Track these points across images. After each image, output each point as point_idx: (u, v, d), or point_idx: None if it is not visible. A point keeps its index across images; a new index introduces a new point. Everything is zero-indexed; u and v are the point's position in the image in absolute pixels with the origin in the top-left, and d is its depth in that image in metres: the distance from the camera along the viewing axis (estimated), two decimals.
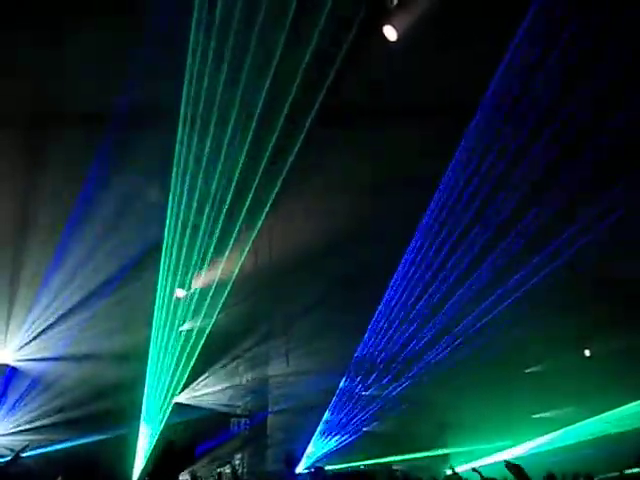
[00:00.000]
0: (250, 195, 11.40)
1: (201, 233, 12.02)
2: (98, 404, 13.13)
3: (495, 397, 15.19)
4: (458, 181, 11.02)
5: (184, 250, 12.46)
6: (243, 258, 12.85)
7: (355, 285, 13.21)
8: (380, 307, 14.14)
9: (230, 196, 11.56)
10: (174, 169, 10.78)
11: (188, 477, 13.96)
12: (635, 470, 9.62)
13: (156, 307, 13.50)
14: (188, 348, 14.51)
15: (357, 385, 16.03)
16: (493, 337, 13.82)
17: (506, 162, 10.43)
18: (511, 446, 16.53)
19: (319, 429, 16.75)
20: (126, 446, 13.77)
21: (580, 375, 15.15)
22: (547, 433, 16.54)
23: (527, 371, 16.88)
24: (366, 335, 14.87)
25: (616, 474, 10.09)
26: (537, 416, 16.93)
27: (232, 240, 12.46)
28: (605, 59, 8.57)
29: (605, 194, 10.75)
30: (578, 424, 16.06)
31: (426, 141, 10.55)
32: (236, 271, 12.98)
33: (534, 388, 16.06)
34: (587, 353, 16.68)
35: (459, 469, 13.80)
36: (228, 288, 13.33)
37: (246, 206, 11.59)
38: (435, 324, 13.87)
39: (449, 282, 12.67)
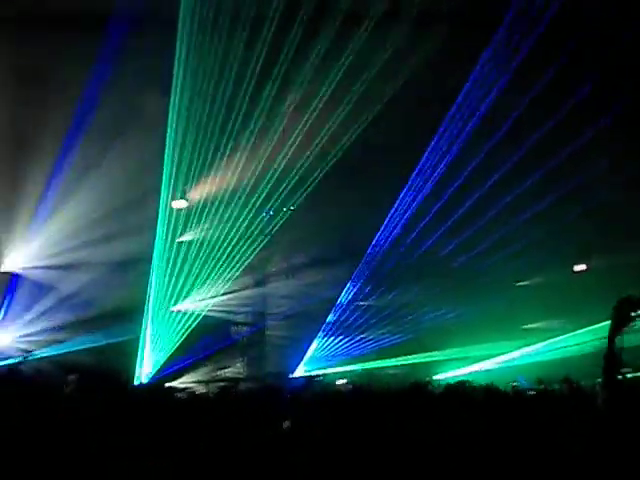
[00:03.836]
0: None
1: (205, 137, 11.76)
2: (103, 310, 13.38)
3: (488, 307, 15.65)
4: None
5: (185, 159, 12.29)
6: (242, 166, 12.69)
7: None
8: (387, 219, 14.12)
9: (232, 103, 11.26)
10: (176, 72, 10.40)
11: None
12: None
13: (159, 216, 13.51)
14: (189, 258, 14.69)
15: (357, 295, 16.39)
16: (491, 248, 14.06)
17: None
18: (500, 354, 17.21)
19: (317, 337, 17.31)
20: (130, 351, 14.22)
21: (570, 289, 15.58)
22: (535, 344, 17.21)
23: (519, 284, 17.25)
24: (369, 248, 15.04)
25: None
26: (527, 327, 17.53)
27: (231, 147, 12.26)
28: None
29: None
30: (567, 335, 16.69)
31: None
32: (236, 179, 12.86)
33: (526, 300, 16.50)
34: (577, 268, 17.00)
35: (453, 373, 14.45)
36: (228, 197, 13.28)
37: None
38: (437, 233, 13.98)
39: (455, 191, 12.67)
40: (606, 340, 5.06)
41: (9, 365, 10.69)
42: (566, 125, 11.33)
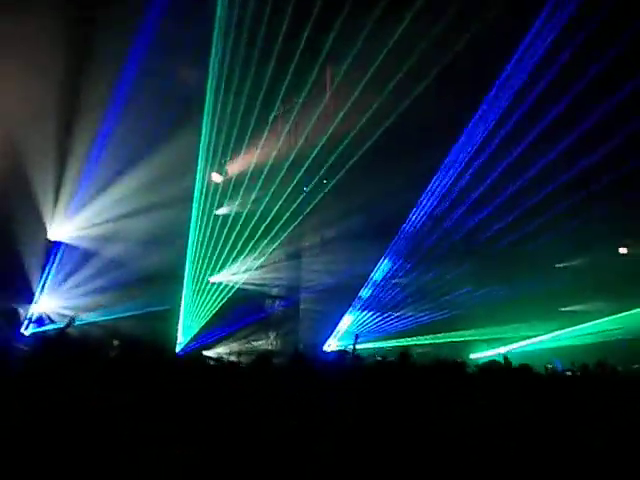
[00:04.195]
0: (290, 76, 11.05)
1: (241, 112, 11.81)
2: (145, 279, 13.75)
3: (526, 289, 15.43)
4: None
5: (223, 133, 12.38)
6: (281, 141, 12.70)
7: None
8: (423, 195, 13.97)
9: (269, 78, 11.22)
10: (215, 43, 10.43)
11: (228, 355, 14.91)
12: None
13: (195, 188, 13.70)
14: (225, 231, 14.92)
15: (391, 272, 16.38)
16: (532, 230, 13.80)
17: None
18: (536, 336, 17.02)
19: (350, 312, 17.43)
20: (169, 318, 14.64)
21: (610, 272, 15.21)
22: (572, 326, 16.95)
23: (558, 266, 16.92)
24: (404, 225, 14.95)
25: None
26: (565, 309, 17.24)
27: (270, 123, 12.27)
28: None
29: None
30: (605, 319, 16.35)
31: None
32: (274, 154, 12.90)
33: (564, 283, 16.20)
34: (621, 251, 16.56)
35: (488, 353, 14.36)
36: (265, 172, 13.36)
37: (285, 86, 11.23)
38: (478, 213, 13.78)
39: (497, 171, 12.42)
40: None
41: (57, 329, 11.14)
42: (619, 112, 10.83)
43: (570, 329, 16.76)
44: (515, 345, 16.89)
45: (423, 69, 10.27)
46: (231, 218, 15.10)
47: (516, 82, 10.88)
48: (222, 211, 15.29)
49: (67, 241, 13.39)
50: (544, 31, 10.21)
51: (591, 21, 9.47)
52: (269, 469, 3.86)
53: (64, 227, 13.15)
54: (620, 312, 16.26)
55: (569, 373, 9.62)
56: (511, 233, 14.11)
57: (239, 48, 10.80)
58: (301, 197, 14.37)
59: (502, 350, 17.23)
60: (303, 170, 13.40)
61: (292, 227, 15.19)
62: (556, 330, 16.93)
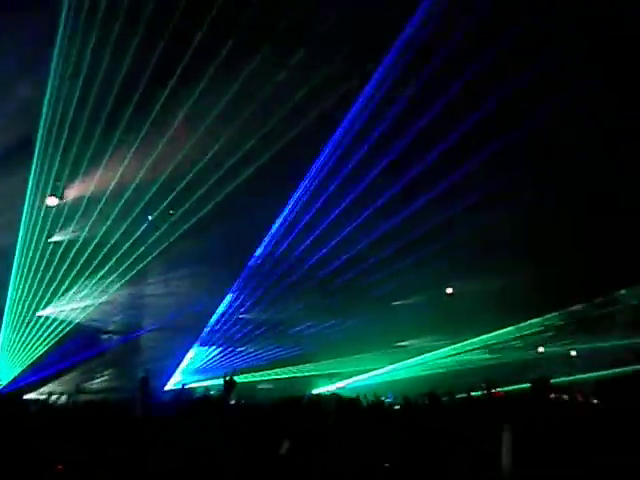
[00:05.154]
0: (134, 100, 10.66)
1: (79, 136, 11.09)
2: None
3: (365, 324, 16.21)
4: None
5: (59, 153, 11.49)
6: (124, 167, 12.12)
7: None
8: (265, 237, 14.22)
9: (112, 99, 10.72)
10: (53, 62, 9.72)
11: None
12: (478, 393, 10.88)
13: (24, 213, 12.48)
14: (59, 259, 13.74)
15: (235, 309, 16.23)
16: (372, 268, 14.61)
17: None
18: (375, 369, 17.89)
19: (193, 349, 16.92)
20: None
21: (439, 310, 16.60)
22: (405, 360, 18.11)
23: (395, 303, 18.05)
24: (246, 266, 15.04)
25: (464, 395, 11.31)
26: (400, 344, 18.38)
27: (113, 147, 11.69)
28: None
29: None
30: (432, 353, 17.74)
31: None
32: (115, 180, 12.26)
33: (398, 319, 17.30)
34: (448, 291, 18.12)
35: (329, 388, 14.72)
36: (105, 198, 12.63)
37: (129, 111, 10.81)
38: (321, 250, 14.26)
39: (341, 210, 13.04)
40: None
41: None
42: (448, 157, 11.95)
43: (403, 363, 17.91)
44: (353, 379, 17.58)
45: (267, 109, 10.50)
46: (66, 245, 13.94)
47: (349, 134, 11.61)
48: (57, 238, 14.08)
49: None
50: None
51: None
52: None
53: None
54: (447, 346, 17.77)
55: (397, 407, 10.24)
56: (350, 271, 14.81)
57: (82, 64, 10.17)
58: (144, 226, 13.72)
59: (342, 384, 17.85)
60: (147, 199, 12.85)
61: (134, 257, 14.40)
62: (392, 364, 17.97)
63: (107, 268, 14.32)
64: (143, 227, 13.70)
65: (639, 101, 10.10)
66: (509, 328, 17.31)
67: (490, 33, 9.21)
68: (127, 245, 13.92)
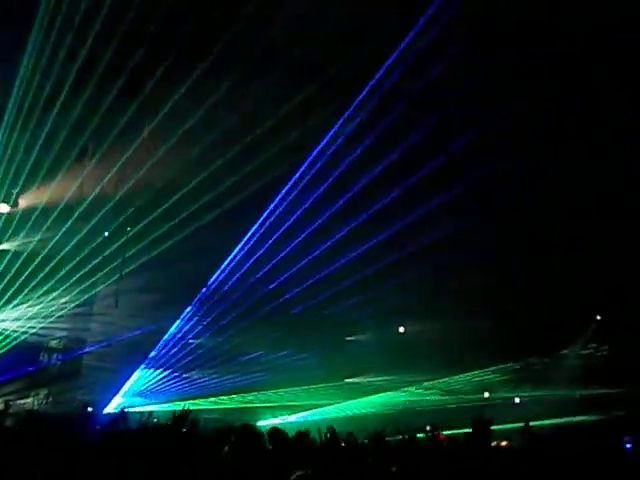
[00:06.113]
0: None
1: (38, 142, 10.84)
2: None
3: (317, 358, 16.09)
4: None
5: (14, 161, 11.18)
6: (82, 180, 11.86)
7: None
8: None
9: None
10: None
11: None
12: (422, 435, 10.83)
13: None
14: (2, 269, 13.20)
15: (186, 332, 15.87)
16: (326, 301, 14.57)
17: None
18: (324, 405, 17.66)
19: (139, 371, 16.38)
20: None
21: (390, 348, 16.63)
22: (355, 398, 17.97)
23: (348, 339, 17.99)
24: (202, 288, 14.80)
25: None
26: (350, 380, 18.24)
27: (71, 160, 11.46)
28: None
29: None
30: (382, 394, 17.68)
31: None
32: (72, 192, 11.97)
33: (351, 355, 17.24)
34: (400, 329, 18.18)
35: (275, 421, 14.36)
36: (59, 209, 12.28)
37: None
38: (276, 280, 14.18)
39: (298, 241, 13.05)
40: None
41: None
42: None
43: (353, 400, 17.76)
44: (302, 413, 17.30)
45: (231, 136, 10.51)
46: (12, 255, 13.43)
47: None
48: (3, 246, 13.56)
49: None
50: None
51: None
52: None
53: None
54: (398, 387, 17.75)
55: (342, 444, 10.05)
56: (305, 301, 14.73)
57: (47, 73, 9.99)
58: (97, 241, 13.35)
59: (291, 418, 17.54)
60: (103, 214, 12.55)
61: (84, 272, 13.94)
62: (341, 401, 17.79)
63: (53, 282, 13.82)
64: (96, 242, 13.34)
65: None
66: (459, 375, 17.53)
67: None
68: (77, 259, 13.51)
